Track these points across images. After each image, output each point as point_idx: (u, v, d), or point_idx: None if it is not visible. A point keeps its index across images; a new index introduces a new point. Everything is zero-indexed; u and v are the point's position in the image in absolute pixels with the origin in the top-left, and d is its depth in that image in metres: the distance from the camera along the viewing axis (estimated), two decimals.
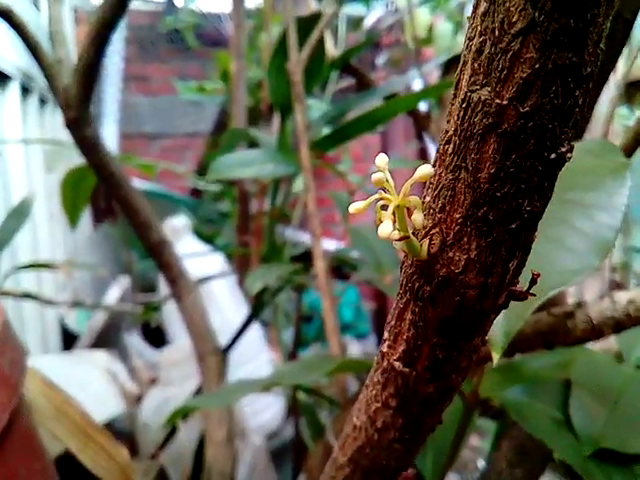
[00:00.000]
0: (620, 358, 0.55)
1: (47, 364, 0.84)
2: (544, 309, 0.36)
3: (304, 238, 1.64)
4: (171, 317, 1.04)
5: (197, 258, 1.00)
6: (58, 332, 1.33)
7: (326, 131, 0.69)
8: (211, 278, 0.87)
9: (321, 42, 0.54)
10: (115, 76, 1.68)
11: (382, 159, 0.14)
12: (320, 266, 0.48)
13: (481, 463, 1.26)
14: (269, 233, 0.72)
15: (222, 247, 1.36)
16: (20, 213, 1.00)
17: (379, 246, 0.49)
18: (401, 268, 0.16)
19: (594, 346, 0.53)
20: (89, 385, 0.87)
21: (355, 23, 1.38)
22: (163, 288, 1.05)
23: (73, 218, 0.97)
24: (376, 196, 0.14)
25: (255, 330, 1.06)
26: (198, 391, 0.81)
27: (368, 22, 1.45)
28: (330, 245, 1.56)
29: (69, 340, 1.28)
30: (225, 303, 1.04)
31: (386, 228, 0.13)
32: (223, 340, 0.70)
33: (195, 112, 1.86)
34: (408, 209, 0.14)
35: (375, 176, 0.14)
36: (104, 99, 1.68)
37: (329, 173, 1.81)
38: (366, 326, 1.92)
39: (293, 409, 0.72)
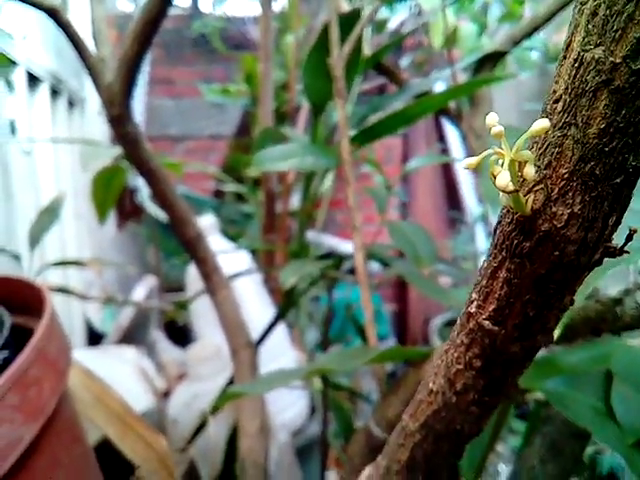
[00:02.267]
0: None
1: (77, 358, 0.85)
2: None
3: (326, 240, 1.65)
4: (198, 315, 1.05)
5: (225, 255, 1.01)
6: (84, 330, 1.35)
7: (353, 131, 0.70)
8: (239, 275, 0.88)
9: (359, 39, 0.55)
10: (141, 79, 1.70)
11: (493, 116, 0.15)
12: (359, 257, 0.48)
13: (502, 467, 1.26)
14: (300, 230, 0.73)
15: (246, 247, 1.37)
16: (51, 212, 1.02)
17: (417, 240, 0.50)
18: (495, 228, 0.17)
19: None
20: (119, 380, 0.88)
21: (379, 26, 1.40)
22: (191, 286, 1.06)
23: (102, 213, 0.99)
24: (490, 151, 0.15)
25: (281, 329, 1.07)
26: (227, 386, 0.82)
27: (391, 25, 1.45)
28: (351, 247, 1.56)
29: (94, 339, 1.30)
30: (251, 301, 1.05)
31: (504, 179, 0.14)
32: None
33: (218, 114, 1.88)
34: (519, 164, 0.15)
35: (495, 129, 0.14)
36: None
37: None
38: (386, 328, 1.93)
39: (323, 404, 0.73)
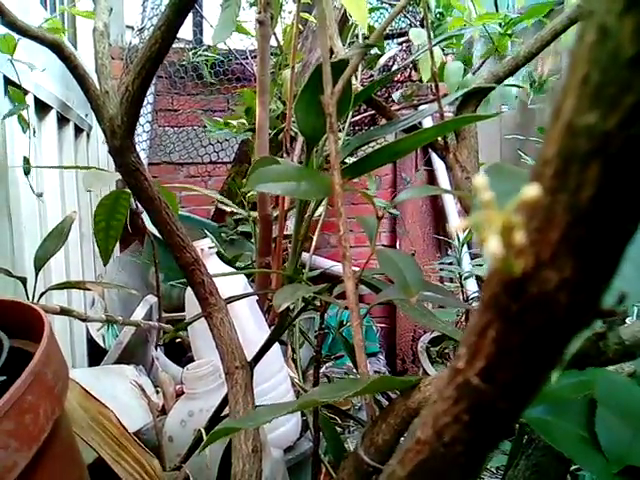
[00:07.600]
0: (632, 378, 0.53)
1: (77, 377, 0.83)
2: None
3: (320, 262, 1.64)
4: (197, 334, 1.03)
5: (222, 278, 1.00)
6: (85, 347, 1.32)
7: (348, 160, 0.69)
8: (236, 298, 0.87)
9: (349, 79, 0.54)
10: (147, 109, 1.70)
11: (482, 179, 0.14)
12: (349, 286, 0.47)
13: None
14: (294, 253, 0.71)
15: (243, 268, 1.35)
16: (57, 236, 0.99)
17: (405, 267, 0.49)
18: (485, 286, 0.16)
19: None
20: (117, 398, 0.86)
21: (370, 61, 1.40)
22: (190, 307, 1.05)
23: (106, 255, 0.94)
24: (479, 216, 0.14)
25: (275, 347, 1.05)
26: (222, 404, 0.80)
27: (382, 60, 1.46)
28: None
29: (96, 355, 1.27)
30: (246, 321, 1.03)
31: (494, 245, 0.13)
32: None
33: (218, 142, 1.89)
34: (509, 228, 0.14)
35: (484, 197, 0.13)
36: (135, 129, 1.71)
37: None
38: (376, 345, 1.91)
39: (314, 423, 0.71)
